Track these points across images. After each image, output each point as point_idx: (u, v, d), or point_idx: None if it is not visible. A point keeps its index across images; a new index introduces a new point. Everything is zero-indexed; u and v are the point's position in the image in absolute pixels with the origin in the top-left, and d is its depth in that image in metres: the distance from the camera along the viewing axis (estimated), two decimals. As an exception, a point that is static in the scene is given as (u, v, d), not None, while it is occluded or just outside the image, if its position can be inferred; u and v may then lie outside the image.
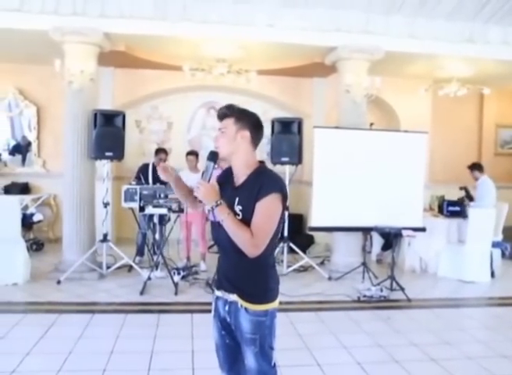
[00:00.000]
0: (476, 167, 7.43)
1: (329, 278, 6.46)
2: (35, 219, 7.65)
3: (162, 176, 2.34)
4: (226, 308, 2.24)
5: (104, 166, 6.45)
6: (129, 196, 5.97)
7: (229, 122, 2.19)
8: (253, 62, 7.47)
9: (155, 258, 6.27)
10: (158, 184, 6.04)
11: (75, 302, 5.27)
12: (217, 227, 2.17)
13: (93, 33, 6.08)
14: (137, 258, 7.01)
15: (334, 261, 6.95)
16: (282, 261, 6.65)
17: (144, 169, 6.98)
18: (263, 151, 8.40)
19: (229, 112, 2.21)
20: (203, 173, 2.16)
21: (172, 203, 5.90)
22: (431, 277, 6.78)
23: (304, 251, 7.22)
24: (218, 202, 2.06)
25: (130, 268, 6.50)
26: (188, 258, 6.85)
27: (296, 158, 6.62)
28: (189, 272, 6.36)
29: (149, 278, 5.77)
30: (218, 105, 8.70)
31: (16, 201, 6.19)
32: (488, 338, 4.59)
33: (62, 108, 6.50)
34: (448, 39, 6.77)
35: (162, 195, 5.89)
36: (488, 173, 7.50)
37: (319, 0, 6.24)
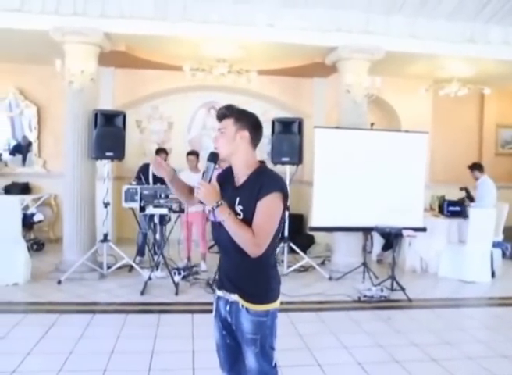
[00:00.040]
0: (476, 167, 7.43)
1: (330, 278, 6.46)
2: (36, 219, 7.65)
3: (156, 170, 2.35)
4: (227, 308, 2.24)
5: (105, 166, 6.45)
6: (129, 196, 5.96)
7: (229, 122, 2.19)
8: (253, 62, 7.47)
9: (156, 258, 6.27)
10: (158, 184, 6.04)
11: (75, 302, 5.27)
12: (218, 227, 2.17)
13: (93, 33, 6.09)
14: (138, 259, 7.01)
15: (334, 261, 6.95)
16: (282, 261, 6.65)
17: (144, 169, 6.97)
18: (263, 151, 8.43)
19: (228, 112, 2.21)
20: (203, 174, 2.16)
21: (173, 203, 5.90)
22: (431, 277, 6.78)
23: (305, 251, 7.21)
24: (219, 203, 2.07)
25: (131, 268, 6.50)
26: (189, 259, 6.85)
27: (297, 158, 6.62)
28: (189, 272, 6.36)
29: (149, 278, 5.77)
30: (219, 105, 8.65)
31: (16, 201, 6.19)
32: (489, 338, 4.59)
33: (63, 108, 6.50)
34: (449, 39, 6.77)
35: (163, 195, 5.88)
36: (489, 173, 7.50)
37: (319, 0, 6.24)
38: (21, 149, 8.66)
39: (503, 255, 7.33)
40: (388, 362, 3.90)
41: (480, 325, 5.08)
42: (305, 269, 6.85)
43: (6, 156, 8.59)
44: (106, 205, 6.34)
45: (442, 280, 6.60)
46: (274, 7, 6.32)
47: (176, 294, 5.59)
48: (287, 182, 5.95)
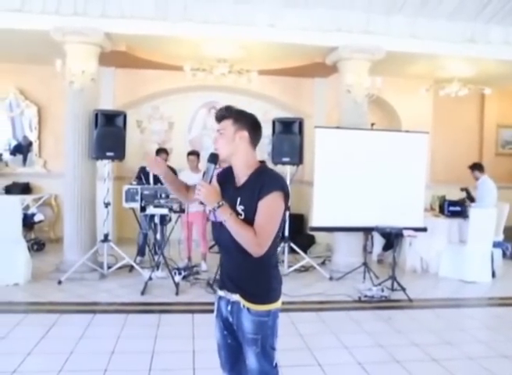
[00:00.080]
0: (476, 167, 7.43)
1: (330, 278, 6.46)
2: (36, 219, 7.65)
3: (151, 168, 2.36)
4: (229, 308, 2.25)
5: (105, 166, 6.45)
6: (130, 196, 5.97)
7: (228, 123, 2.20)
8: (254, 62, 7.48)
9: (156, 258, 6.27)
10: (159, 184, 6.04)
11: (76, 302, 5.27)
12: (218, 227, 2.17)
13: (94, 33, 6.09)
14: (138, 259, 7.01)
15: (335, 261, 6.95)
16: (283, 261, 6.65)
17: (144, 169, 6.96)
18: (264, 151, 8.44)
19: (227, 113, 2.22)
20: (204, 175, 2.16)
21: (173, 203, 5.90)
22: (432, 277, 6.78)
23: (305, 251, 7.21)
24: (220, 203, 2.07)
25: (131, 268, 6.50)
26: (189, 259, 6.85)
27: (297, 158, 6.61)
28: (190, 272, 6.36)
29: (150, 278, 5.77)
30: (219, 105, 8.66)
31: (17, 202, 6.19)
32: (489, 338, 4.59)
33: (63, 108, 6.51)
34: (449, 39, 6.77)
35: (163, 195, 5.88)
36: (490, 173, 7.50)
37: (320, 0, 6.24)
38: (21, 149, 8.67)
39: (504, 255, 7.33)
40: (388, 362, 3.90)
41: (480, 325, 5.08)
42: (306, 269, 6.85)
43: (7, 156, 8.58)
44: (107, 205, 6.34)
45: (442, 280, 6.60)
46: (274, 7, 6.32)
47: (177, 294, 5.59)
48: (288, 182, 5.95)
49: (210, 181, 2.13)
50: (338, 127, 6.68)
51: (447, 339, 4.43)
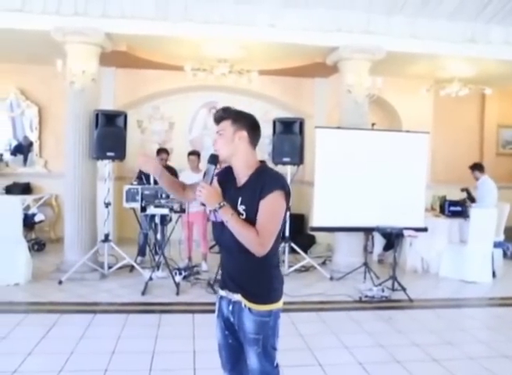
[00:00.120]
0: (477, 167, 7.43)
1: (331, 278, 6.45)
2: (37, 219, 7.64)
3: (144, 166, 2.35)
4: (230, 308, 2.25)
5: (106, 166, 6.45)
6: (130, 196, 5.97)
7: (226, 124, 2.20)
8: (254, 63, 7.48)
9: (157, 258, 6.27)
10: (159, 184, 6.03)
11: (76, 302, 5.27)
12: (219, 227, 2.17)
13: (94, 33, 6.09)
14: (139, 259, 7.01)
15: (335, 261, 6.95)
16: (283, 261, 6.64)
17: (145, 169, 6.96)
18: (264, 151, 8.45)
19: (225, 114, 2.23)
20: (204, 175, 2.16)
21: (174, 203, 5.90)
22: (432, 277, 6.78)
23: (306, 252, 7.21)
24: (222, 204, 2.07)
25: (132, 268, 6.50)
26: (189, 259, 6.85)
27: (298, 158, 6.61)
28: (190, 272, 6.36)
29: (151, 278, 5.77)
30: (220, 106, 8.67)
31: (17, 202, 6.20)
32: (490, 338, 4.59)
33: (64, 108, 6.51)
34: (450, 39, 6.77)
35: (164, 195, 5.88)
36: (490, 173, 7.50)
37: (320, 0, 6.24)
38: (22, 149, 8.67)
39: (504, 255, 7.32)
40: (389, 362, 3.90)
41: (481, 325, 5.08)
42: (306, 269, 6.85)
43: (7, 156, 8.59)
44: (107, 205, 6.34)
45: (443, 280, 6.60)
46: (275, 7, 6.32)
47: (177, 294, 5.59)
48: (288, 182, 5.95)
49: (211, 182, 2.13)
50: (338, 127, 6.68)
51: (448, 339, 4.43)
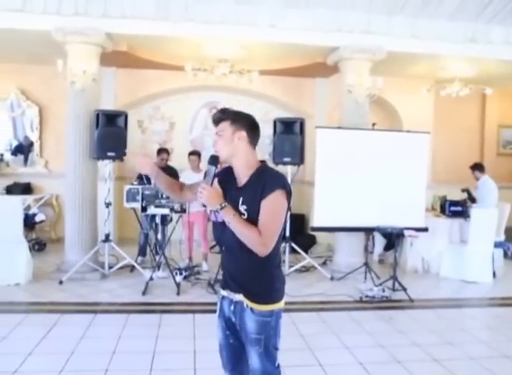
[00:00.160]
0: (477, 167, 7.43)
1: (331, 278, 6.45)
2: (37, 219, 7.65)
3: (140, 168, 2.33)
4: (232, 307, 2.25)
5: (107, 166, 6.45)
6: (131, 196, 5.97)
7: (225, 125, 2.20)
8: (255, 63, 7.48)
9: (157, 258, 6.27)
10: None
11: (77, 302, 5.27)
12: (220, 227, 2.17)
13: (95, 33, 6.09)
14: (139, 259, 7.01)
15: (336, 261, 6.94)
16: (284, 261, 6.64)
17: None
18: (265, 151, 8.45)
19: (223, 115, 2.23)
20: (205, 176, 2.16)
21: (174, 203, 5.90)
22: (433, 277, 6.77)
23: (306, 252, 7.21)
24: (223, 205, 2.07)
25: (132, 268, 6.50)
26: (190, 259, 6.85)
27: (298, 158, 6.61)
28: (191, 272, 6.36)
29: (151, 278, 5.77)
30: (220, 105, 8.75)
31: (18, 202, 6.20)
32: (491, 338, 4.58)
33: (65, 108, 6.52)
34: (450, 39, 6.77)
35: (164, 195, 5.88)
36: (491, 173, 7.50)
37: (321, 0, 6.24)
38: (23, 149, 8.67)
39: (505, 255, 7.33)
40: (389, 362, 3.90)
41: (482, 325, 5.08)
42: (307, 269, 6.85)
43: (8, 156, 8.59)
44: (108, 205, 6.34)
45: (443, 281, 6.60)
46: (276, 7, 6.32)
47: (178, 294, 5.59)
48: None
49: (211, 183, 2.14)
50: (339, 127, 6.68)
51: (448, 339, 4.43)
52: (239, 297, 2.21)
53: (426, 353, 4.08)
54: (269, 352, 2.20)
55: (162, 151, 7.13)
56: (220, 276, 2.43)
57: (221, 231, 2.18)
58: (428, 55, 7.06)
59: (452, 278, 6.60)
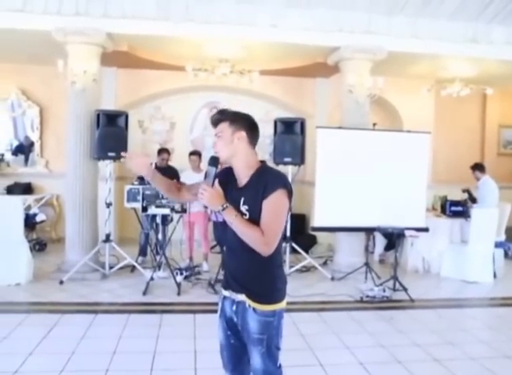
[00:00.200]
0: (478, 167, 7.43)
1: (332, 278, 6.45)
2: (38, 219, 7.65)
3: (136, 169, 2.27)
4: (234, 308, 2.25)
5: (107, 166, 6.45)
6: (131, 196, 5.97)
7: (224, 126, 2.20)
8: (255, 63, 7.48)
9: (158, 258, 6.27)
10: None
11: (77, 302, 5.27)
12: (221, 227, 2.18)
13: (95, 33, 6.09)
14: (140, 259, 7.00)
15: (337, 261, 6.94)
16: (284, 261, 6.64)
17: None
18: (265, 151, 8.45)
19: (222, 116, 2.23)
20: (205, 177, 2.16)
21: (175, 203, 5.90)
22: (434, 277, 6.77)
23: (307, 252, 7.21)
24: (225, 206, 2.07)
25: (133, 268, 6.50)
26: (191, 259, 6.84)
27: (299, 158, 6.60)
28: (191, 272, 6.35)
29: (152, 278, 5.77)
30: (221, 105, 8.77)
31: (18, 202, 6.19)
32: (491, 338, 4.58)
33: (65, 108, 6.52)
34: (451, 39, 6.77)
35: (165, 195, 5.87)
36: (491, 173, 7.49)
37: (322, 0, 6.24)
38: (23, 149, 8.68)
39: (506, 255, 7.32)
40: (390, 362, 3.90)
41: (482, 325, 5.08)
42: (307, 269, 6.84)
43: (8, 156, 8.60)
44: (108, 205, 6.35)
45: (444, 281, 6.59)
46: (276, 7, 6.32)
47: (178, 294, 5.59)
48: (289, 182, 5.95)
49: (212, 184, 2.13)
50: (340, 127, 6.68)
51: (449, 339, 4.43)
52: (241, 297, 2.21)
53: (427, 353, 4.08)
54: (271, 352, 2.20)
55: (163, 151, 7.13)
56: (221, 276, 2.43)
57: (222, 231, 2.19)
58: (428, 55, 7.06)
59: (452, 278, 6.59)
